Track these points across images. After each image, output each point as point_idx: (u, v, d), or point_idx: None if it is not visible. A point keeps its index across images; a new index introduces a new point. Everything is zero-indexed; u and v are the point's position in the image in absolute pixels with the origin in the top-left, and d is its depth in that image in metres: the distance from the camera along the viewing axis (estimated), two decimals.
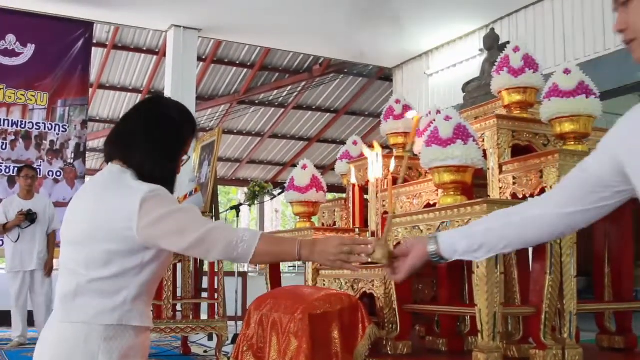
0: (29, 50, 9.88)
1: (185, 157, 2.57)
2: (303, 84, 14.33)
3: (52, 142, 9.86)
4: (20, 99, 9.77)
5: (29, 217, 7.74)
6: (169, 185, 2.48)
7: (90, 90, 11.95)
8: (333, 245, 2.30)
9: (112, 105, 14.46)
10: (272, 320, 3.17)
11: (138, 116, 2.54)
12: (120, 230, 2.30)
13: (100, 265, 2.32)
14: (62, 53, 10.04)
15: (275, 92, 14.57)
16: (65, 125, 9.91)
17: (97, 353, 2.28)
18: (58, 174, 9.74)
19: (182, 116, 2.59)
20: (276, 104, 15.14)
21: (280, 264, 4.60)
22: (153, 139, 2.47)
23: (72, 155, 9.87)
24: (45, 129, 9.83)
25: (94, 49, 11.09)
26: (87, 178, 12.53)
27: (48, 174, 9.70)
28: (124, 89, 13.87)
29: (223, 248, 2.31)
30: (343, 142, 5.11)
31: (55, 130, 9.87)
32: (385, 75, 13.48)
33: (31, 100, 9.81)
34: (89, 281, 2.32)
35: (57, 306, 2.39)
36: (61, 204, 9.59)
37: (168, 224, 2.31)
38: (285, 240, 2.42)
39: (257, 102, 14.96)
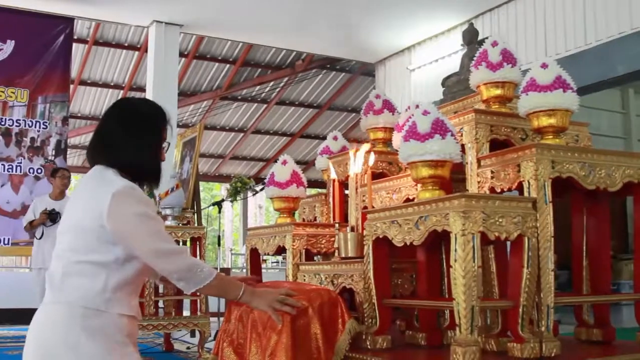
0: (9, 47, 9.82)
1: (165, 145, 2.74)
2: (286, 79, 14.33)
3: (32, 139, 9.81)
4: (0, 95, 9.70)
5: (51, 217, 7.86)
6: (157, 175, 2.70)
7: (72, 86, 11.90)
8: (268, 299, 2.87)
9: (93, 102, 14.40)
10: (252, 316, 3.16)
11: (112, 120, 2.68)
12: (94, 221, 2.45)
13: (82, 252, 2.47)
14: (43, 49, 9.98)
15: (258, 87, 14.56)
16: (46, 122, 9.86)
17: (79, 332, 2.39)
18: (39, 171, 9.69)
19: (151, 109, 2.74)
20: (259, 99, 15.12)
21: (262, 258, 4.60)
22: (132, 136, 2.62)
23: (53, 152, 9.83)
24: (25, 125, 9.77)
25: (74, 44, 11.05)
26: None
27: (29, 171, 9.65)
28: (105, 85, 13.82)
29: (185, 268, 2.54)
30: (326, 138, 5.12)
31: (35, 127, 9.82)
32: (367, 71, 13.50)
33: (11, 96, 9.75)
34: (74, 262, 2.46)
35: (46, 291, 2.53)
36: None
37: (140, 225, 2.47)
38: (232, 285, 2.81)
39: (239, 97, 14.95)
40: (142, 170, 2.65)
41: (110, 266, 2.46)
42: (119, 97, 13.91)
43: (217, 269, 9.37)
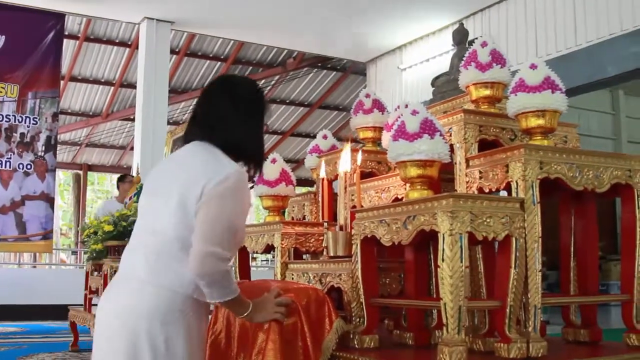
0: None
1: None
2: (277, 77, 14.34)
3: (22, 134, 9.77)
4: None
5: None
6: (261, 157, 2.68)
7: (62, 82, 11.86)
8: (268, 311, 2.83)
9: (84, 98, 14.36)
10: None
11: (221, 97, 2.61)
12: (200, 189, 2.37)
13: (179, 229, 2.40)
14: (33, 45, 9.94)
15: None
16: (36, 118, 9.82)
17: (185, 317, 2.41)
18: (28, 166, 9.66)
19: (258, 90, 2.73)
20: None
21: (251, 257, 4.60)
22: (242, 116, 2.57)
23: (43, 148, 9.80)
24: (15, 121, 9.73)
25: (65, 40, 11.01)
26: (58, 171, 12.46)
27: (18, 166, 9.62)
28: (96, 81, 13.78)
29: (220, 276, 2.44)
30: (316, 136, 5.13)
31: (25, 122, 9.78)
32: (359, 70, 13.52)
33: (1, 92, 9.71)
34: (172, 243, 2.40)
35: (136, 262, 2.46)
36: (31, 197, 9.54)
37: (218, 218, 2.38)
38: (244, 304, 2.71)
39: None
40: (249, 151, 2.59)
41: None
42: (110, 94, 13.94)
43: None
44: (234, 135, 2.54)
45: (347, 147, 3.81)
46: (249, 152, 2.60)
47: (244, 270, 4.55)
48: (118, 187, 8.93)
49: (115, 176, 25.37)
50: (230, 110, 2.56)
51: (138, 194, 6.54)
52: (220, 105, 2.59)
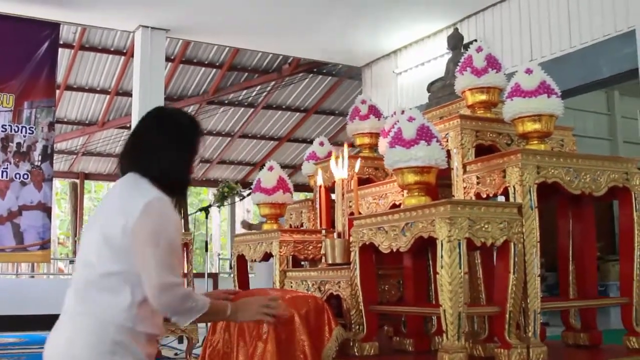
0: None
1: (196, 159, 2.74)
2: (272, 83, 14.32)
3: (18, 144, 9.74)
4: None
5: None
6: (186, 188, 2.70)
7: (58, 91, 11.83)
8: (252, 310, 2.76)
9: (80, 107, 14.34)
10: (239, 324, 3.16)
11: (151, 128, 2.67)
12: (122, 229, 2.40)
13: (109, 260, 2.41)
14: (28, 54, 9.91)
15: (245, 92, 14.53)
16: (32, 127, 9.79)
17: (110, 349, 2.36)
18: (25, 176, 9.63)
19: (190, 121, 2.78)
20: (246, 103, 15.11)
21: (249, 265, 4.60)
22: (172, 146, 2.61)
23: (40, 158, 9.76)
24: (11, 131, 9.70)
25: (60, 49, 10.98)
26: (55, 180, 12.43)
27: (15, 176, 9.58)
28: (92, 90, 13.76)
29: (179, 302, 2.47)
30: (313, 142, 5.12)
31: (21, 132, 9.75)
32: (354, 74, 13.51)
33: None
34: (100, 275, 2.41)
35: (69, 297, 2.48)
36: (28, 207, 9.51)
37: (154, 247, 2.40)
38: (220, 308, 2.68)
39: (226, 102, 14.92)
40: (175, 181, 2.61)
41: (134, 279, 2.40)
42: (106, 102, 13.93)
43: (205, 274, 9.37)
44: (164, 165, 2.57)
45: (345, 153, 3.81)
46: (175, 184, 2.61)
47: (243, 278, 4.54)
48: None
49: (113, 185, 25.28)
50: (159, 140, 2.61)
51: None
52: (148, 135, 2.64)
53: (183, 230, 7.06)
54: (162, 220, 2.43)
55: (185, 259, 6.64)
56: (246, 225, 9.01)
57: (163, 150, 2.59)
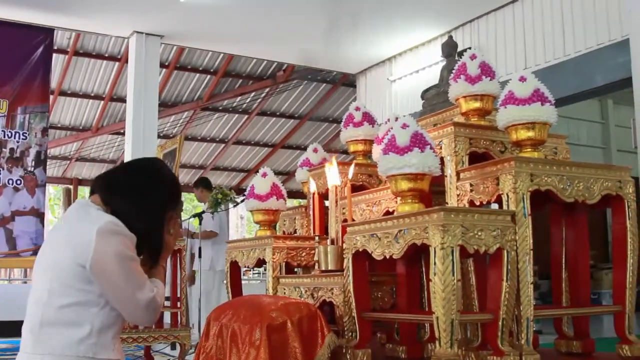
0: None
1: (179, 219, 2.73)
2: (267, 90, 14.32)
3: (12, 149, 9.71)
4: None
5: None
6: (157, 249, 2.59)
7: (51, 97, 11.81)
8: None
9: (73, 112, 14.31)
10: (232, 331, 3.16)
11: (133, 169, 2.65)
12: (74, 259, 2.34)
13: (61, 293, 2.35)
14: (22, 60, 9.88)
15: (239, 98, 14.52)
16: (26, 133, 9.76)
17: None
18: (18, 182, 9.59)
19: (172, 182, 2.69)
20: (240, 110, 15.10)
21: (242, 271, 4.59)
22: (137, 192, 2.54)
23: (33, 163, 9.73)
24: (4, 136, 9.67)
25: (54, 55, 10.96)
26: (48, 185, 12.39)
27: (8, 182, 9.55)
28: (86, 95, 13.73)
29: (147, 316, 2.48)
30: (307, 148, 5.13)
31: (15, 137, 9.72)
32: (348, 81, 13.52)
33: None
34: (54, 310, 2.34)
35: (25, 337, 2.40)
36: (21, 213, 9.48)
37: (119, 269, 2.36)
38: (160, 273, 2.63)
39: (220, 108, 14.91)
40: (134, 228, 2.49)
41: (92, 308, 2.35)
42: (100, 108, 13.91)
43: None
44: (126, 206, 2.51)
45: (333, 162, 3.81)
46: (143, 238, 2.51)
47: (236, 284, 4.54)
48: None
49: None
50: (131, 182, 2.57)
51: None
52: (129, 176, 2.61)
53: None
54: (119, 242, 2.37)
55: (179, 266, 6.62)
56: (186, 232, 8.99)
57: (131, 191, 2.55)
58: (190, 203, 25.77)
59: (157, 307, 2.47)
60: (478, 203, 3.37)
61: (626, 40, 7.08)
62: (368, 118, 4.64)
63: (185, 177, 17.13)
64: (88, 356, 2.34)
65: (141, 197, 2.54)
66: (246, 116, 15.28)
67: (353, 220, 3.79)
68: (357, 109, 4.67)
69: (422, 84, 7.70)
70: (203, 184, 9.77)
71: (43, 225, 9.72)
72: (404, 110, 9.98)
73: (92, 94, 13.76)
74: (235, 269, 4.51)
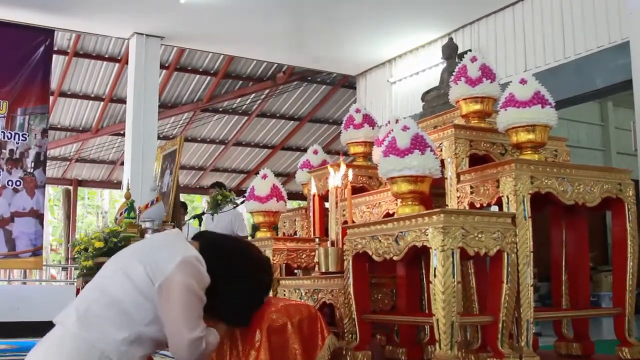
0: None
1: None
2: (267, 91, 14.32)
3: (11, 151, 9.71)
4: None
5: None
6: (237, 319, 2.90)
7: (51, 98, 11.81)
8: None
9: (73, 113, 14.31)
10: (232, 333, 3.15)
11: (242, 268, 2.82)
12: (148, 275, 2.49)
13: (120, 296, 2.49)
14: (22, 60, 9.88)
15: (239, 99, 14.53)
16: (25, 134, 9.76)
17: None
18: (18, 183, 9.59)
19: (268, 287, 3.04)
20: (240, 111, 15.11)
21: None
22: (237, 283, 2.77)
23: (32, 165, 9.73)
24: (4, 137, 9.67)
25: (55, 56, 10.97)
26: (47, 186, 12.38)
27: (7, 183, 9.55)
28: (85, 96, 13.73)
29: (204, 352, 2.59)
30: (307, 150, 5.13)
31: (14, 139, 9.72)
32: (348, 83, 13.53)
33: None
34: (107, 303, 2.48)
35: (72, 313, 2.51)
36: (21, 214, 9.48)
37: (187, 300, 2.50)
38: (221, 329, 2.83)
39: (220, 109, 14.92)
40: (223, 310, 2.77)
41: (137, 321, 2.47)
42: (100, 109, 13.91)
43: None
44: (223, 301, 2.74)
45: (342, 166, 3.81)
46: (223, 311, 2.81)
47: None
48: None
49: (107, 191, 25.40)
50: (231, 281, 2.76)
51: (129, 209, 6.52)
52: (234, 270, 2.78)
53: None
54: (194, 278, 2.52)
55: None
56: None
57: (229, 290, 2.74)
58: (190, 204, 25.76)
59: (201, 350, 2.55)
60: (478, 205, 3.37)
61: (626, 42, 7.08)
62: (368, 120, 4.64)
63: (185, 178, 17.13)
64: (111, 358, 2.42)
65: (239, 289, 2.79)
66: (246, 117, 15.29)
67: (353, 222, 3.79)
68: (358, 111, 4.67)
69: (422, 86, 7.71)
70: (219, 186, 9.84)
71: (42, 227, 9.73)
72: (403, 112, 9.99)
73: (92, 95, 13.76)
74: None
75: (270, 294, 3.93)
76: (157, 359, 7.56)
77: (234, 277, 2.75)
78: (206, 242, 2.76)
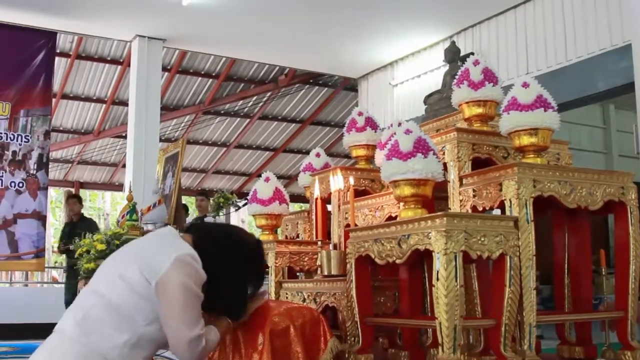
0: None
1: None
2: (268, 94, 14.33)
3: (14, 152, 9.72)
4: None
5: None
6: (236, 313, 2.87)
7: (54, 100, 11.82)
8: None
9: (75, 116, 14.32)
10: (234, 335, 3.15)
11: (238, 247, 2.80)
12: (144, 275, 2.48)
13: (118, 299, 2.48)
14: (25, 63, 9.89)
15: (241, 102, 14.54)
16: (28, 136, 9.77)
17: None
18: (20, 185, 9.60)
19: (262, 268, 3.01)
20: (242, 114, 15.11)
21: None
22: (231, 267, 2.73)
23: (35, 166, 9.74)
24: (7, 139, 9.67)
25: (57, 58, 10.98)
26: (50, 189, 12.40)
27: (10, 185, 9.56)
28: (87, 99, 13.75)
29: (206, 349, 2.59)
30: (309, 152, 5.12)
31: (17, 140, 9.73)
32: (350, 86, 13.54)
33: None
34: (105, 306, 2.47)
35: (69, 317, 2.50)
36: (24, 215, 9.49)
37: (184, 299, 2.48)
38: (224, 326, 2.82)
39: (222, 112, 14.92)
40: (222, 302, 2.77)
41: (137, 322, 2.47)
42: (102, 111, 13.92)
43: None
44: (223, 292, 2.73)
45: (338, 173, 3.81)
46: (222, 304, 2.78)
47: None
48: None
49: (108, 194, 25.41)
50: (228, 264, 2.72)
51: (131, 212, 6.52)
52: (226, 257, 2.74)
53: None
54: (190, 277, 2.51)
55: None
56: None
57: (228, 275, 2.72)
58: (192, 207, 25.76)
59: (201, 348, 2.54)
60: (481, 209, 3.37)
61: (628, 45, 7.08)
62: (371, 123, 4.64)
63: (186, 180, 17.14)
64: None
65: (233, 274, 2.74)
66: (248, 120, 15.29)
67: (356, 225, 3.79)
68: (360, 114, 4.67)
69: (424, 89, 7.72)
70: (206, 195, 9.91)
71: (44, 228, 9.73)
72: (405, 114, 9.99)
73: (94, 97, 13.77)
74: None
75: (272, 296, 3.95)
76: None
77: (231, 264, 2.72)
78: (199, 233, 2.75)
